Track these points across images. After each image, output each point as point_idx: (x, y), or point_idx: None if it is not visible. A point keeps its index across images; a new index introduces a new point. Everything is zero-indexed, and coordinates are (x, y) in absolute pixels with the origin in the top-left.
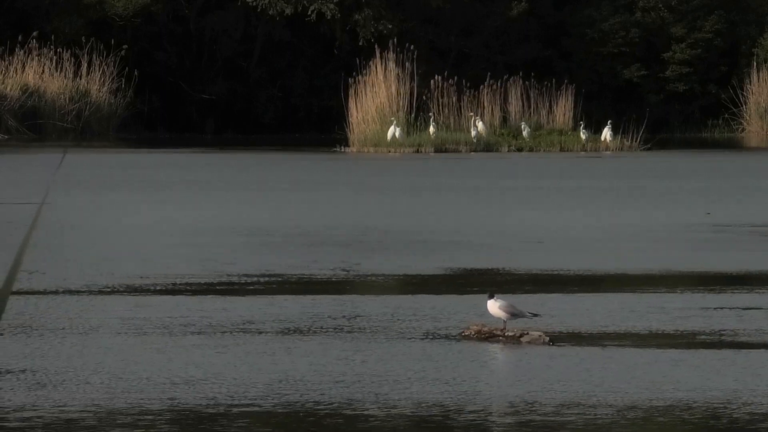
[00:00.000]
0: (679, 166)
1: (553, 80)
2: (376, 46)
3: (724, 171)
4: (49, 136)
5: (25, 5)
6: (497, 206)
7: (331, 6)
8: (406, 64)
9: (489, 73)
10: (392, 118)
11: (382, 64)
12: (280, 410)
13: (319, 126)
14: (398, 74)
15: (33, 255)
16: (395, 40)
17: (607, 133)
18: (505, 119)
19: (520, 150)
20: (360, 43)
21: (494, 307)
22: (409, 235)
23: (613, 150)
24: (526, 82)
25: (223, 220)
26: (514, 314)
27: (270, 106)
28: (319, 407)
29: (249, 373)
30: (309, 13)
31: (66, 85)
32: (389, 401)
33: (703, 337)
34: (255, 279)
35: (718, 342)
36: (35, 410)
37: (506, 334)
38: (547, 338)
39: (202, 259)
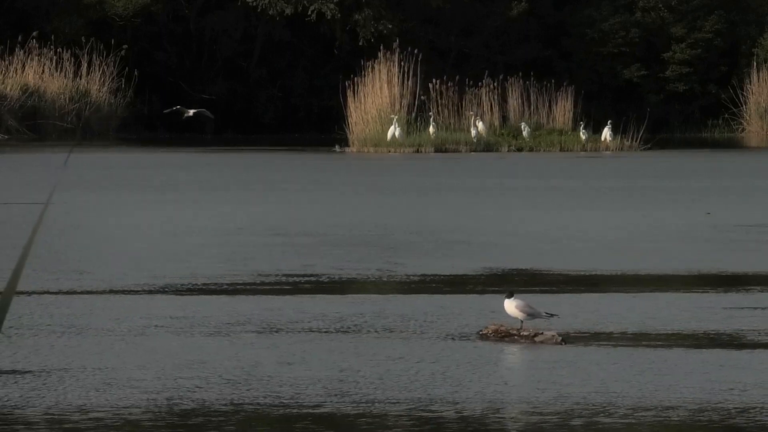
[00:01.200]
0: (682, 165)
1: (553, 81)
2: (381, 47)
3: (735, 170)
4: (49, 136)
5: (25, 5)
6: (509, 206)
7: (331, 6)
8: (409, 64)
9: (486, 72)
10: (393, 116)
11: (385, 64)
12: (343, 408)
13: (319, 126)
14: (400, 75)
15: (69, 255)
16: (398, 41)
17: (607, 133)
18: (505, 119)
19: (520, 150)
20: (360, 43)
21: (511, 306)
22: (431, 236)
23: (612, 150)
24: (527, 82)
25: (243, 220)
26: (530, 314)
27: (270, 106)
28: (344, 404)
29: (307, 371)
30: (309, 13)
31: (66, 85)
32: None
33: (720, 337)
34: (294, 279)
35: (736, 342)
36: (99, 409)
37: (521, 333)
38: (560, 338)
39: (237, 259)
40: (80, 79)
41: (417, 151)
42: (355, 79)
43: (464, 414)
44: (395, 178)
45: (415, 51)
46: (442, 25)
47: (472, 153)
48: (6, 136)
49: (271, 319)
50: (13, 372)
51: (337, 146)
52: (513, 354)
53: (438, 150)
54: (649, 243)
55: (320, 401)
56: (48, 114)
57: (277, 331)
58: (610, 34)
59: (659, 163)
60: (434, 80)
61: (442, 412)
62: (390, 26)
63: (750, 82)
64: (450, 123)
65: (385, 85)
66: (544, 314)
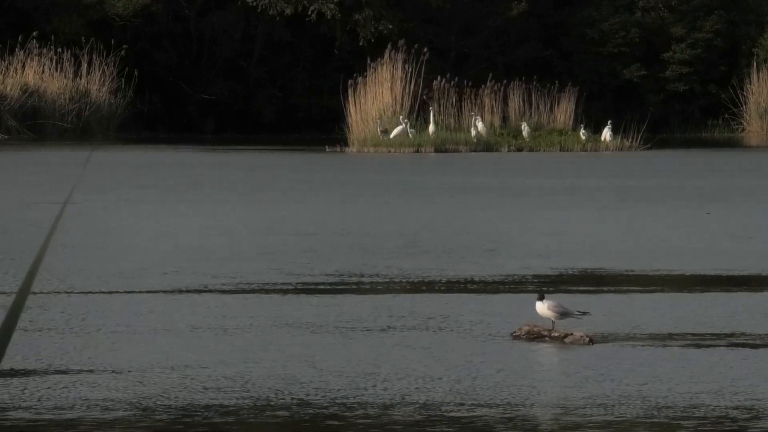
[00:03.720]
0: (684, 165)
1: (557, 82)
2: (388, 46)
3: (752, 169)
4: (49, 136)
5: (25, 5)
6: (534, 207)
7: (331, 6)
8: (414, 65)
9: (491, 74)
10: (405, 120)
11: (390, 64)
12: (371, 405)
13: (319, 126)
14: (404, 75)
15: (104, 256)
16: (403, 41)
17: (607, 133)
18: (505, 119)
19: (520, 150)
20: (360, 43)
21: (543, 308)
22: (463, 238)
23: (612, 150)
24: (529, 84)
25: (266, 221)
26: (562, 314)
27: (270, 106)
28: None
29: (327, 369)
30: (309, 13)
31: (66, 85)
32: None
33: (752, 337)
34: (323, 279)
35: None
36: (150, 410)
37: (552, 334)
38: (587, 338)
39: (278, 260)
40: (80, 79)
41: (417, 151)
42: (358, 78)
43: (494, 413)
44: (413, 178)
45: (424, 50)
46: (442, 25)
47: (472, 153)
48: (6, 136)
49: (308, 318)
50: (134, 371)
51: (337, 146)
52: (542, 354)
53: (438, 150)
54: (692, 241)
55: (346, 396)
56: (48, 114)
57: (310, 329)
58: (610, 34)
59: (663, 163)
60: (438, 78)
61: (471, 411)
62: (390, 26)
63: (750, 82)
64: (450, 123)
65: (389, 85)
66: (576, 313)
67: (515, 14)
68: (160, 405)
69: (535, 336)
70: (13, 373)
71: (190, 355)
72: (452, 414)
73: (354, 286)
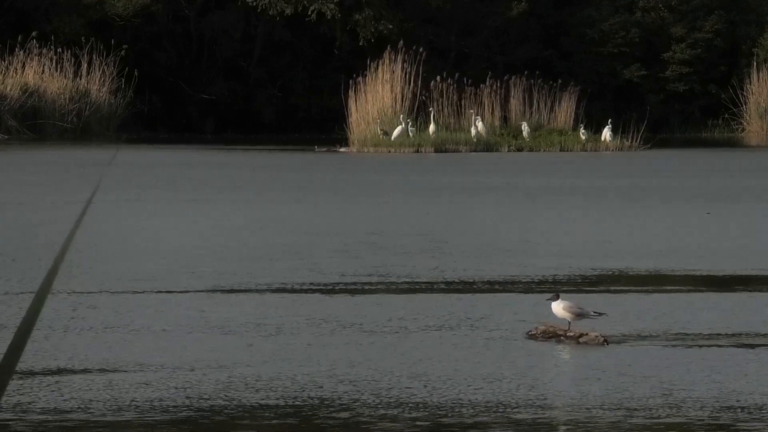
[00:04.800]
0: (684, 165)
1: (559, 81)
2: (388, 47)
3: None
4: (49, 136)
5: (25, 5)
6: (548, 207)
7: (331, 6)
8: (413, 65)
9: (490, 73)
10: (406, 120)
11: (390, 64)
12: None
13: (319, 126)
14: (403, 75)
15: (132, 255)
16: (402, 41)
17: (607, 133)
18: (505, 119)
19: (520, 150)
20: (360, 43)
21: (558, 308)
22: (476, 237)
23: (612, 150)
24: (530, 81)
25: (292, 221)
26: (578, 314)
27: (270, 106)
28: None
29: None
30: (309, 13)
31: (66, 85)
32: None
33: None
34: (343, 279)
35: None
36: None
37: (567, 334)
38: (602, 339)
39: (307, 260)
40: (80, 79)
41: (417, 151)
42: (359, 79)
43: (508, 412)
44: (423, 178)
45: (420, 50)
46: (442, 25)
47: (473, 153)
48: (6, 136)
49: (325, 317)
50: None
51: (316, 147)
52: (558, 354)
53: (438, 150)
54: (690, 243)
55: (364, 395)
56: (48, 114)
57: (330, 329)
58: (610, 34)
59: (666, 162)
60: (437, 78)
61: (487, 410)
62: (390, 26)
63: (750, 82)
64: (450, 123)
65: (388, 85)
66: (593, 313)
67: (515, 14)
68: (214, 405)
69: (550, 336)
70: (66, 371)
71: (239, 355)
72: (469, 413)
73: (367, 287)
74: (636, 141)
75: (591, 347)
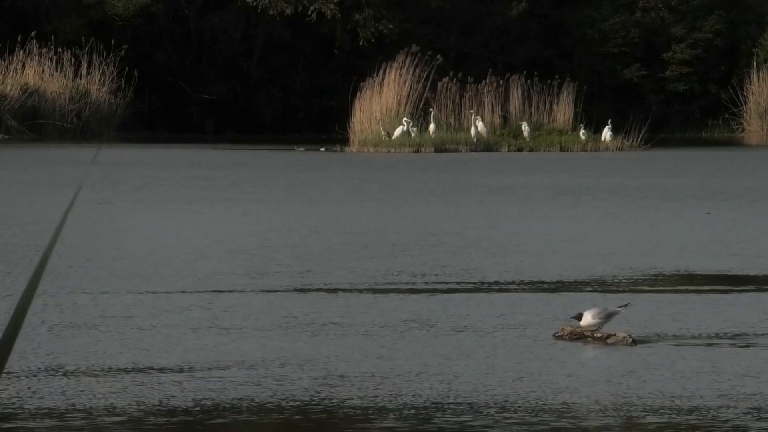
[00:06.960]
0: (684, 165)
1: (557, 80)
2: (400, 52)
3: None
4: (49, 136)
5: (25, 5)
6: (567, 208)
7: (332, 6)
8: (423, 66)
9: (490, 70)
10: (407, 120)
11: (400, 69)
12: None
13: (320, 126)
14: (410, 78)
15: (150, 260)
16: (418, 47)
17: (606, 133)
18: (505, 119)
19: (520, 150)
20: (360, 43)
21: (587, 319)
22: (499, 238)
23: (612, 150)
24: (528, 81)
25: (315, 220)
26: (606, 317)
27: (270, 106)
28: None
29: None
30: (309, 13)
31: (66, 85)
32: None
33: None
34: (368, 279)
35: None
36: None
37: (594, 335)
38: (630, 339)
39: (340, 259)
40: (80, 79)
41: (417, 152)
42: (368, 80)
43: (536, 413)
44: (427, 179)
45: (437, 56)
46: (442, 25)
47: (473, 153)
48: (6, 136)
49: (350, 316)
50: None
51: (295, 147)
52: (585, 355)
53: (438, 150)
54: (734, 243)
55: (389, 394)
56: (48, 114)
57: (357, 329)
58: (610, 34)
59: (673, 163)
60: (442, 79)
61: (511, 411)
62: (390, 26)
63: (750, 82)
64: (450, 123)
65: (395, 86)
66: (619, 309)
67: (515, 14)
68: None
69: (577, 336)
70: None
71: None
72: (494, 414)
73: (392, 287)
74: (636, 141)
75: (619, 348)
